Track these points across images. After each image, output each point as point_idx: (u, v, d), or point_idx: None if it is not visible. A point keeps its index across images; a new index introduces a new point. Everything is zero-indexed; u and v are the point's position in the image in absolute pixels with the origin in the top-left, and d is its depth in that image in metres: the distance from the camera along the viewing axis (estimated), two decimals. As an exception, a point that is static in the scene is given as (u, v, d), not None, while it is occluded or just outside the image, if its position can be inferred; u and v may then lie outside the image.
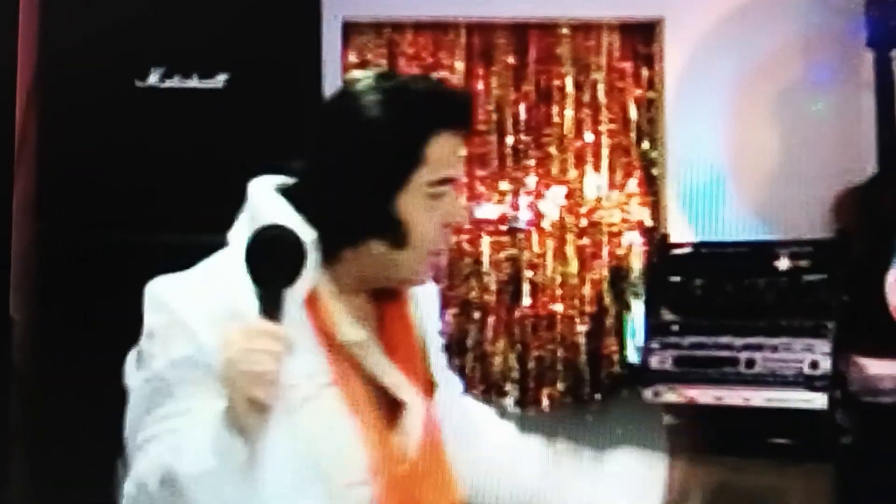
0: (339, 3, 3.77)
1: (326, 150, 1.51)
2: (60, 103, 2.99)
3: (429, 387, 1.58)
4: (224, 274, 1.45)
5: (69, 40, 2.98)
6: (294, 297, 1.36)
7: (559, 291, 4.22)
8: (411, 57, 4.20)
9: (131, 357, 1.50)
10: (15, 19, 3.04)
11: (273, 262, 1.31)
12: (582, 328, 4.22)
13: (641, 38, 4.28)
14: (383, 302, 1.58)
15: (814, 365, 3.35)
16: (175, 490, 1.31)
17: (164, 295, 1.47)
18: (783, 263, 3.56)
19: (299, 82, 3.02)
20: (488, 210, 4.23)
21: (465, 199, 4.18)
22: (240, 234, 1.51)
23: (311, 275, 1.43)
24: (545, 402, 4.18)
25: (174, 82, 3.01)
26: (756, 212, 4.13)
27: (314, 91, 3.06)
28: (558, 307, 4.21)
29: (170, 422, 1.39)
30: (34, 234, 3.03)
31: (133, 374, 1.49)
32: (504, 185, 4.24)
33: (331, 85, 3.60)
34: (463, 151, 1.52)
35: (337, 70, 3.99)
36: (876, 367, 3.42)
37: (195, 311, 1.43)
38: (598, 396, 4.17)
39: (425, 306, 1.65)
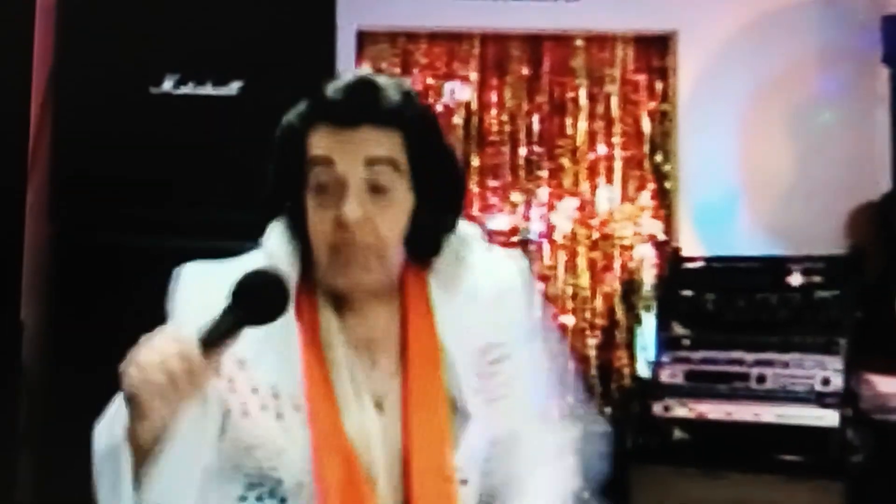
0: (353, 11, 3.77)
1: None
2: (75, 108, 3.00)
3: (438, 400, 1.50)
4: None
5: (84, 46, 2.99)
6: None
7: (570, 304, 4.22)
8: (425, 66, 4.20)
9: None
10: (31, 25, 3.06)
11: (251, 305, 1.34)
12: (593, 341, 4.20)
13: (656, 50, 4.28)
14: (405, 314, 1.54)
15: (825, 382, 3.33)
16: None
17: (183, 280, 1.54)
18: (795, 279, 3.54)
19: (313, 90, 3.02)
20: (500, 221, 4.22)
21: (477, 209, 4.18)
22: (271, 239, 1.55)
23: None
24: (554, 415, 4.16)
25: (188, 89, 3.02)
26: (769, 227, 4.11)
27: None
28: (569, 319, 4.20)
29: None
30: (47, 237, 3.03)
31: None
32: (516, 197, 4.24)
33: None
34: (347, 140, 1.49)
35: (351, 79, 3.98)
36: (887, 385, 3.40)
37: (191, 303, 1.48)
38: (608, 410, 4.15)
39: (468, 320, 1.55)
